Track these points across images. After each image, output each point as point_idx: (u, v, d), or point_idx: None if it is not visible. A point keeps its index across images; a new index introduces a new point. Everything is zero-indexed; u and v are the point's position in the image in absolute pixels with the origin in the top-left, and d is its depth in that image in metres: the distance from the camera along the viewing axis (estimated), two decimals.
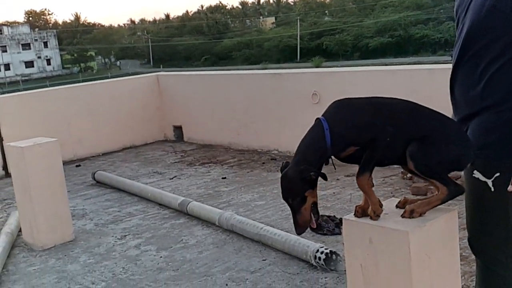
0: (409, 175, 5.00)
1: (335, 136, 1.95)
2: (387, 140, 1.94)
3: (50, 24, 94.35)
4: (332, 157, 2.01)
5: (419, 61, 41.70)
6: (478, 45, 1.98)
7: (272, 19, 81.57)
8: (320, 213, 4.66)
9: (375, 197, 1.98)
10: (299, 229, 1.99)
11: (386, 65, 23.78)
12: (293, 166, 1.98)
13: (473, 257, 3.51)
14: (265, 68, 28.95)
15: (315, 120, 2.01)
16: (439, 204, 1.98)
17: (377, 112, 1.99)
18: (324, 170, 2.01)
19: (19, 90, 11.41)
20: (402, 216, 1.97)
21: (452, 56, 2.11)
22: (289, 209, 1.98)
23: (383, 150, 1.95)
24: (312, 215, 1.98)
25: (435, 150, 1.96)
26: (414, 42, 55.26)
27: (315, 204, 1.99)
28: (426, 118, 2.02)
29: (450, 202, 1.98)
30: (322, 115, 2.01)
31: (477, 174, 2.00)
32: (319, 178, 1.95)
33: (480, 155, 1.97)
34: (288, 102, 6.93)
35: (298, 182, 1.93)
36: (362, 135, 1.96)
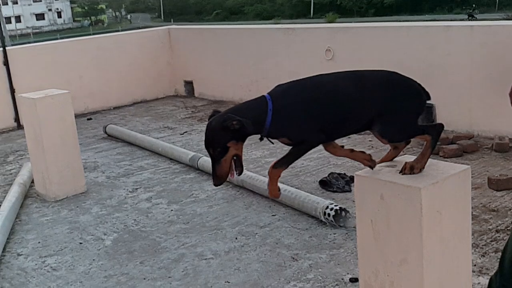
0: None
1: (274, 122, 1.93)
2: (314, 146, 1.98)
3: None
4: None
5: (435, 19, 40.81)
6: None
7: None
8: (331, 171, 4.67)
9: (275, 184, 2.03)
10: (216, 180, 1.98)
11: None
12: (218, 115, 1.95)
13: (484, 216, 3.54)
14: (277, 24, 28.45)
15: (261, 96, 1.98)
16: (432, 151, 2.02)
17: (319, 108, 1.96)
18: None
19: (30, 43, 11.32)
20: (403, 172, 1.99)
21: None
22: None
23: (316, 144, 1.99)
24: (233, 167, 1.97)
25: (399, 117, 1.97)
26: None
27: (238, 157, 1.96)
28: (376, 92, 1.98)
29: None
30: (268, 93, 1.99)
31: None
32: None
33: None
34: (301, 58, 6.83)
35: (221, 131, 1.90)
36: (296, 134, 1.97)
